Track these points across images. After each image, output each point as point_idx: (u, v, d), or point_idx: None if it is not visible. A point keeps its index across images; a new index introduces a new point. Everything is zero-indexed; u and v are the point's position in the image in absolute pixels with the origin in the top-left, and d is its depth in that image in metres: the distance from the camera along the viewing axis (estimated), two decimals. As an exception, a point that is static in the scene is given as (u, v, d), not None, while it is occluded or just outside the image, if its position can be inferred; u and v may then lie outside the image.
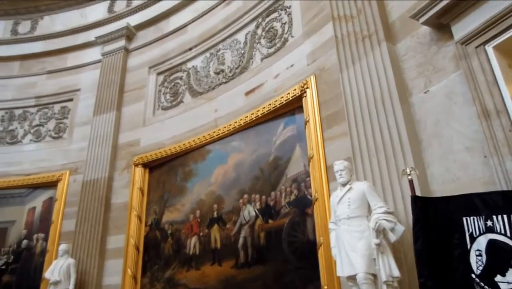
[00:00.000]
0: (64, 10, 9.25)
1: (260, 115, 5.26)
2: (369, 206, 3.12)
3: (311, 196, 4.36)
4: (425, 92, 3.52)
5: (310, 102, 4.64)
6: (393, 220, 2.93)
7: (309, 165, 4.49)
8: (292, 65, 5.19)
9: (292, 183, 4.72)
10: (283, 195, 4.75)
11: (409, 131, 3.44)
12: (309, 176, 4.48)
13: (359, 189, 3.20)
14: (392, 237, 2.89)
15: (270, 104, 5.15)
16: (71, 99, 8.34)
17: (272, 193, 4.88)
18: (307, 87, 4.74)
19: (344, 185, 3.30)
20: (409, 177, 2.91)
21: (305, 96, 4.73)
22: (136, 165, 6.61)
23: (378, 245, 2.85)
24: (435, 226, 2.62)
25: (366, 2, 4.21)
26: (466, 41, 3.16)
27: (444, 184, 3.16)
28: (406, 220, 3.07)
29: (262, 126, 5.34)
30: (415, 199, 2.77)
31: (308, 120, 4.61)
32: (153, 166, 6.60)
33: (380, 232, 2.89)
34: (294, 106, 4.95)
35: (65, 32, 8.96)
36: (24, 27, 9.49)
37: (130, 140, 7.08)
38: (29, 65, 8.98)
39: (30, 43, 9.15)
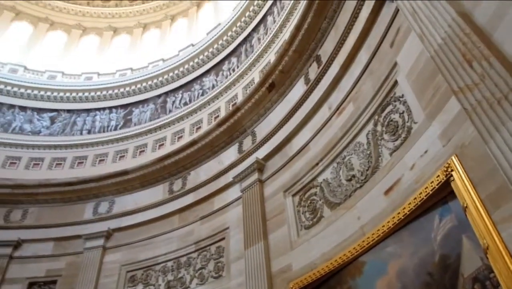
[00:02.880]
0: (204, 162, 10.83)
1: (408, 212, 4.82)
2: None
3: (505, 296, 3.52)
4: None
5: (462, 185, 4.11)
6: None
7: (487, 257, 3.75)
8: (426, 152, 4.84)
9: (473, 284, 3.93)
10: (468, 300, 3.94)
11: None
12: (492, 271, 3.70)
13: None
14: None
15: (415, 198, 4.73)
16: (223, 238, 9.04)
17: (453, 300, 4.10)
18: (452, 170, 4.27)
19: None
20: None
21: (453, 180, 4.24)
22: (294, 291, 6.45)
23: None
24: None
25: (486, 64, 3.90)
26: None
27: None
28: None
29: (414, 224, 4.83)
30: None
31: (466, 206, 4.02)
32: (310, 289, 6.35)
33: None
34: (443, 194, 4.44)
35: (208, 180, 10.29)
36: (177, 185, 11.23)
37: (282, 267, 7.09)
38: (186, 216, 10.32)
39: (183, 197, 10.67)
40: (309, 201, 7.32)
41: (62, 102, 16.42)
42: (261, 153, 9.15)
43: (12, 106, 15.88)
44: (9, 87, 16.06)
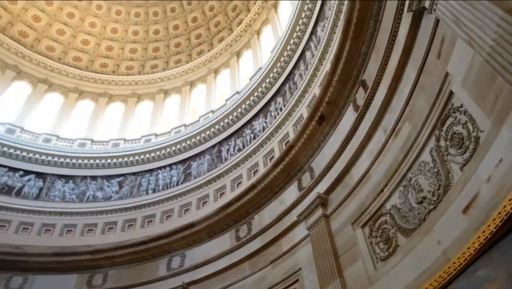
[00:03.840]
0: (266, 205, 10.81)
1: (494, 229, 4.36)
2: None
3: None
4: None
5: (552, 191, 3.69)
6: None
7: None
8: (500, 160, 4.44)
9: None
10: None
11: None
12: None
13: None
14: None
15: (499, 213, 4.29)
16: (297, 280, 8.74)
17: None
18: (536, 176, 3.86)
19: None
20: None
21: (540, 187, 3.82)
22: (382, 332, 5.97)
23: None
24: None
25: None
26: None
27: None
28: None
29: (505, 241, 4.35)
30: None
31: None
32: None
33: None
34: (532, 203, 3.99)
35: (273, 222, 10.20)
36: (243, 231, 11.23)
37: (365, 306, 6.65)
38: (255, 261, 10.19)
39: (251, 243, 10.60)
40: (380, 231, 6.93)
41: (127, 167, 17.53)
42: (321, 187, 8.97)
43: (84, 177, 17.22)
44: (80, 160, 17.54)
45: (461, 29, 4.78)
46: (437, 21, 5.64)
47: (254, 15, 21.83)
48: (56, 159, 17.29)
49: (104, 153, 17.95)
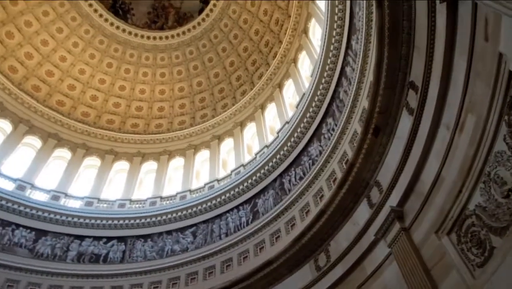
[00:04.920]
0: (340, 229, 10.47)
1: None
2: None
3: None
4: None
5: None
6: None
7: None
8: None
9: None
10: None
11: None
12: None
13: None
14: None
15: None
16: (389, 304, 8.20)
17: None
18: None
19: None
20: None
21: None
22: None
23: None
24: None
25: None
26: None
27: None
28: None
29: None
30: None
31: None
32: None
33: None
34: None
35: (350, 246, 9.81)
36: (322, 260, 10.89)
37: (473, 319, 6.01)
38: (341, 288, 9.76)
39: (332, 271, 10.24)
40: (469, 235, 6.35)
41: (197, 216, 18.00)
42: (393, 200, 8.52)
43: (160, 234, 17.95)
44: (153, 218, 18.39)
45: (504, 6, 4.50)
46: (475, 5, 5.38)
47: (287, 44, 22.22)
48: (132, 221, 18.31)
49: (175, 207, 18.63)
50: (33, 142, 21.56)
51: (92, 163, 22.62)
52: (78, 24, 23.60)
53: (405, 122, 8.33)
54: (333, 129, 13.84)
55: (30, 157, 20.66)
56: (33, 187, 18.66)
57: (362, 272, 9.24)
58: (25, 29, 22.16)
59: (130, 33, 24.80)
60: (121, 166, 23.05)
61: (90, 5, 23.51)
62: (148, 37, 25.15)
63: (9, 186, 17.83)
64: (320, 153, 14.21)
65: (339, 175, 12.19)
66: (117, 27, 24.57)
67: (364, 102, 11.62)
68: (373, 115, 9.06)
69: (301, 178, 14.84)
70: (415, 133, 7.92)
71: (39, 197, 18.36)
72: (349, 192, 10.13)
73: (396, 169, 8.45)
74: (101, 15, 24.00)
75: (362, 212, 9.80)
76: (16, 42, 22.01)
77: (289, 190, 15.16)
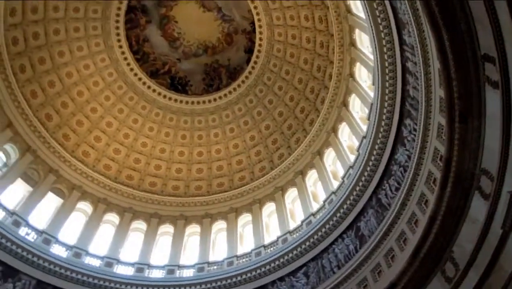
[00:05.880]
0: (458, 232, 9.51)
1: None
2: None
3: None
4: None
5: None
6: None
7: None
8: None
9: None
10: None
11: None
12: None
13: None
14: None
15: None
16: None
17: None
18: None
19: None
20: None
21: None
22: None
23: None
24: None
25: None
26: None
27: None
28: None
29: None
30: None
31: None
32: None
33: None
34: None
35: (477, 246, 8.84)
36: (449, 270, 9.91)
37: None
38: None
39: (465, 281, 9.25)
40: None
41: (306, 254, 17.61)
42: (509, 184, 7.62)
43: (273, 282, 17.86)
44: (258, 271, 18.27)
45: None
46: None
47: (339, 59, 21.96)
48: (239, 277, 18.66)
49: (279, 252, 18.52)
50: (85, 208, 22.43)
51: (138, 226, 23.15)
52: (149, 111, 26.36)
53: (492, 98, 7.59)
54: (414, 130, 13.06)
55: (81, 223, 21.39)
56: (87, 253, 19.29)
57: (500, 272, 8.18)
58: (92, 116, 24.75)
59: (181, 101, 26.94)
60: (167, 229, 23.44)
61: (154, 90, 26.27)
62: (192, 102, 27.01)
63: (64, 253, 18.36)
64: (409, 157, 13.39)
65: (437, 175, 11.24)
66: (181, 101, 26.86)
67: (439, 92, 10.88)
68: (454, 101, 8.43)
69: (397, 189, 14.02)
70: (509, 104, 7.17)
71: (93, 262, 18.98)
72: (455, 189, 9.29)
73: (500, 150, 7.61)
74: (165, 96, 26.58)
75: (478, 207, 8.85)
76: (69, 111, 23.98)
77: (389, 204, 14.35)
